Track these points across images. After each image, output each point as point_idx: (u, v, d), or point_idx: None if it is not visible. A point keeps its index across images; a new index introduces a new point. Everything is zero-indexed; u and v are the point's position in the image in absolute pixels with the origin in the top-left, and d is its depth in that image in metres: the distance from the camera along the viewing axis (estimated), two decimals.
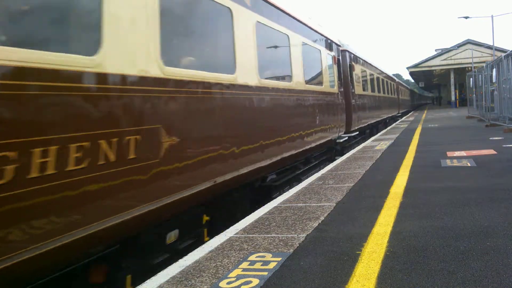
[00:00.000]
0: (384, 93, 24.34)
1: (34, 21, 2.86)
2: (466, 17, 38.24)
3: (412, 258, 3.21)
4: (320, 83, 10.11)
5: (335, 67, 11.93)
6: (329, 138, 10.57)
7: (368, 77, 18.72)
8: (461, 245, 3.41)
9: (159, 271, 3.40)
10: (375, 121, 19.64)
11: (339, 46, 13.23)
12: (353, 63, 14.72)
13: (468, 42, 48.02)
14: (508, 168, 6.85)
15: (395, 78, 34.08)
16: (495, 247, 3.33)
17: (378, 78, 22.04)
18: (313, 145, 9.00)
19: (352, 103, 13.71)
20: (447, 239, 3.58)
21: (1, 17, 2.63)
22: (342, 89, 12.48)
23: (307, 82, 8.84)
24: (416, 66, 52.98)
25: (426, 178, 6.46)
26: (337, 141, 11.84)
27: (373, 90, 19.77)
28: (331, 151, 12.01)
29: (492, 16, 34.58)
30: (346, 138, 12.55)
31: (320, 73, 10.27)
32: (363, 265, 3.14)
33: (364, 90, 16.76)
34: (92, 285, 3.68)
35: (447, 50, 48.75)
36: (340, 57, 13.11)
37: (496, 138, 11.81)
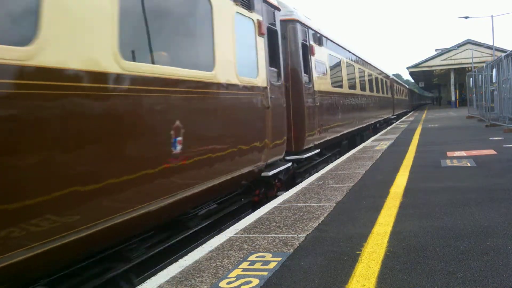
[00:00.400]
0: (372, 91, 19.48)
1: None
2: (466, 17, 38.28)
3: (412, 258, 3.21)
4: (206, 65, 5.15)
5: (262, 42, 6.91)
6: (238, 174, 5.77)
7: (345, 69, 13.89)
8: (461, 245, 3.41)
9: (159, 271, 3.40)
10: (356, 128, 14.95)
11: (276, 9, 7.77)
12: (312, 44, 10.14)
13: (468, 42, 48.06)
14: (508, 168, 6.86)
15: (389, 74, 30.38)
16: (495, 247, 3.33)
17: (362, 72, 17.33)
18: (169, 200, 4.16)
19: (308, 105, 9.20)
20: (447, 239, 3.59)
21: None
22: (280, 82, 7.70)
23: (146, 59, 4.05)
24: (416, 66, 53.02)
25: (426, 178, 6.47)
26: (264, 174, 6.71)
27: (352, 87, 14.85)
28: (261, 187, 7.01)
29: (492, 16, 34.65)
30: (288, 165, 7.76)
31: (205, 47, 5.24)
32: (363, 265, 3.15)
33: (334, 86, 12.15)
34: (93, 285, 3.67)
35: (447, 50, 48.79)
36: (280, 30, 7.99)
37: (496, 138, 11.81)
